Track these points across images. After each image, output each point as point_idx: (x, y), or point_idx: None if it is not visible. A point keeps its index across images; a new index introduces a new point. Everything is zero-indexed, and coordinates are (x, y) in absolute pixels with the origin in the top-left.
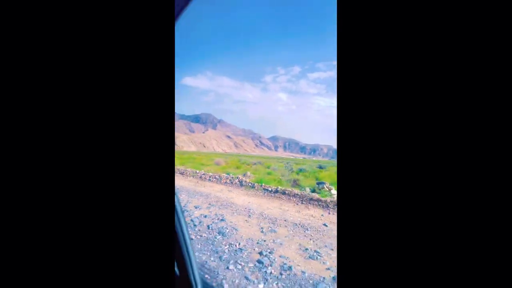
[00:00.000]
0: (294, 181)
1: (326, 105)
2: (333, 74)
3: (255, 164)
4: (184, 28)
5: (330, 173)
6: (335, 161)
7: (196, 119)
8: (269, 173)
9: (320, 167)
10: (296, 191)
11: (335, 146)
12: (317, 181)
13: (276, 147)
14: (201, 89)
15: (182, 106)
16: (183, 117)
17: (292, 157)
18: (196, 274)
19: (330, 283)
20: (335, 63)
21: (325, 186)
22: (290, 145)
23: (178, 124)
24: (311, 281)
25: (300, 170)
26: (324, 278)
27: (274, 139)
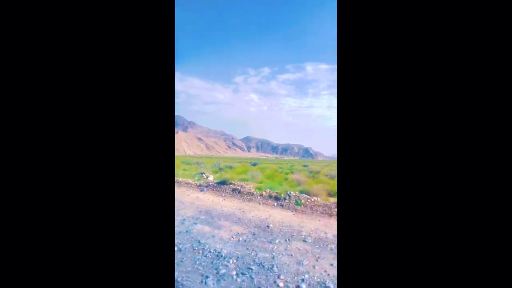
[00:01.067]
0: (201, 174)
1: (296, 106)
2: (302, 75)
3: (194, 163)
4: None
5: (248, 168)
6: (302, 159)
7: None
8: (184, 169)
9: (254, 164)
10: (183, 179)
11: (305, 145)
12: (201, 172)
13: (249, 148)
14: None
15: None
16: None
17: (264, 157)
18: None
19: None
20: (302, 65)
21: (204, 175)
22: (263, 145)
23: None
24: None
25: (227, 166)
26: None
27: (247, 140)
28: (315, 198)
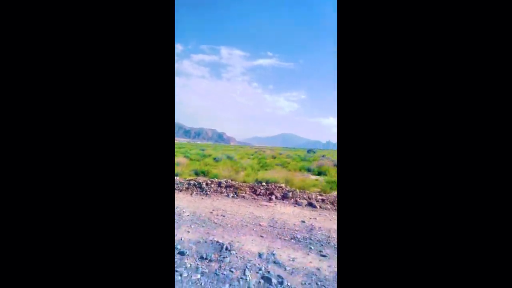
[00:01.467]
0: None
1: (211, 89)
2: (217, 58)
3: None
4: None
5: None
6: (215, 143)
7: None
8: None
9: None
10: None
11: (219, 130)
12: None
13: None
14: None
15: None
16: None
17: (175, 141)
18: None
19: None
20: (219, 47)
21: None
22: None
23: None
24: None
25: None
26: None
27: None
28: (175, 178)
